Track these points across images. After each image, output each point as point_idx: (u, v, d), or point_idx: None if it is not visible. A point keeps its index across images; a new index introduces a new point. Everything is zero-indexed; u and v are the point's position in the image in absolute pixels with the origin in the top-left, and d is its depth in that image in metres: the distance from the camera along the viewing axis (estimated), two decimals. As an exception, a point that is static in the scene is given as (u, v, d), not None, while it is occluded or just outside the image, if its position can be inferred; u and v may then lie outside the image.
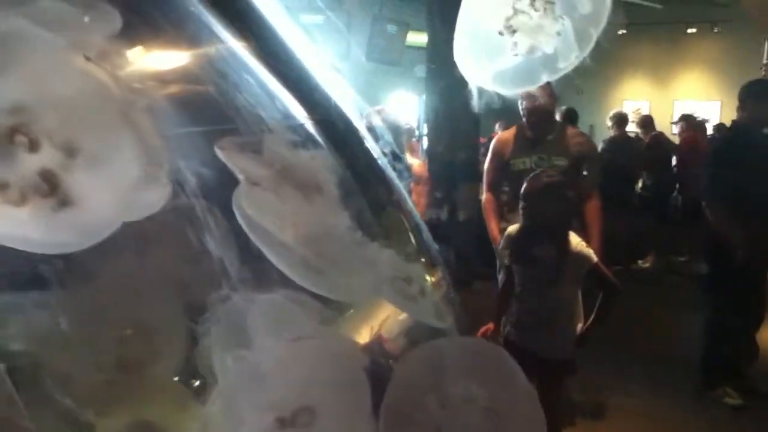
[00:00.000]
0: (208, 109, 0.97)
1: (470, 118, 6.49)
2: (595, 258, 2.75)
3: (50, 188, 0.59)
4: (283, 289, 0.80)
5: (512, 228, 2.95)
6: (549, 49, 1.31)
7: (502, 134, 4.05)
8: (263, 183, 0.84)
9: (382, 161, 1.50)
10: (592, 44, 1.27)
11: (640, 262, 7.36)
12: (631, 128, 8.05)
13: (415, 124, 9.36)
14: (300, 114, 1.22)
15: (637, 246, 7.17)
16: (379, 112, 3.75)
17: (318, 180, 0.91)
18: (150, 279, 0.82)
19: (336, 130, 1.32)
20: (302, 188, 0.87)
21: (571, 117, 6.44)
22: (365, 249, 0.98)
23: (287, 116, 1.17)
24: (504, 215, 3.67)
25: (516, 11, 1.27)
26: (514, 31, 1.29)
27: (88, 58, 0.64)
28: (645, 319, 5.23)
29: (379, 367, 0.90)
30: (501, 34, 1.31)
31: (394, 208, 1.53)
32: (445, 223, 5.90)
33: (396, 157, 1.44)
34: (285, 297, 0.79)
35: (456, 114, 6.58)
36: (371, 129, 1.46)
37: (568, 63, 1.33)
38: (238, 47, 1.17)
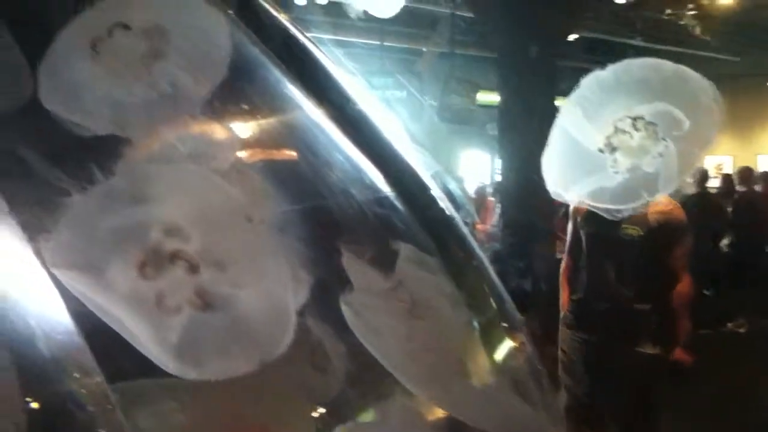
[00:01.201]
0: (303, 188, 1.02)
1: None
2: None
3: (203, 304, 0.64)
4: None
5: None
6: (650, 169, 1.31)
7: None
8: (377, 293, 0.87)
9: (463, 227, 1.51)
10: (696, 164, 1.27)
11: (730, 325, 6.97)
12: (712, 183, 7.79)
13: (488, 182, 9.37)
14: (384, 187, 1.26)
15: (726, 308, 6.81)
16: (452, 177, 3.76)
17: (432, 298, 0.93)
18: (274, 381, 0.85)
19: (418, 200, 1.35)
20: (416, 304, 0.89)
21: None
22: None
23: (374, 190, 1.21)
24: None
25: (617, 130, 1.28)
26: (614, 150, 1.30)
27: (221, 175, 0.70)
28: (738, 385, 4.93)
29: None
30: (601, 151, 1.32)
31: (474, 273, 1.54)
32: (528, 292, 5.70)
33: (476, 228, 1.45)
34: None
35: (530, 173, 6.53)
36: (452, 198, 1.49)
37: (671, 184, 1.33)
38: (327, 123, 1.23)
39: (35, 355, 0.61)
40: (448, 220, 1.44)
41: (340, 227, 0.96)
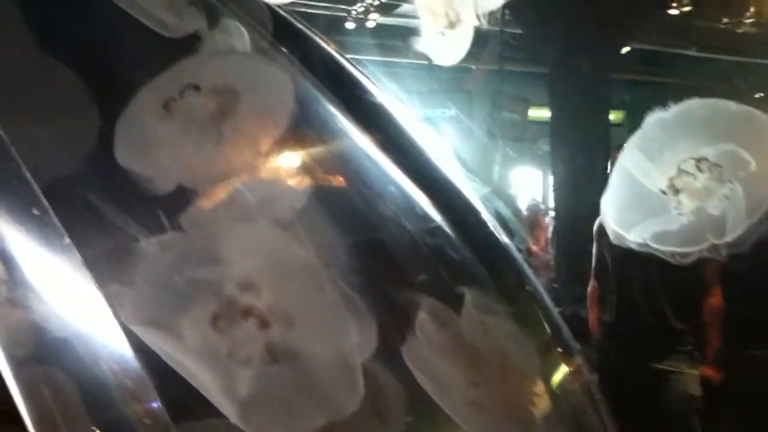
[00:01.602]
0: (355, 220, 1.04)
1: (600, 191, 6.32)
2: None
3: (272, 358, 0.68)
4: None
5: None
6: (715, 211, 1.29)
7: None
8: (441, 340, 0.89)
9: (515, 253, 1.51)
10: (765, 209, 1.24)
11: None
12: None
13: (540, 199, 9.25)
14: (437, 216, 1.28)
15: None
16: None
17: (498, 344, 0.94)
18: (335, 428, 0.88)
19: (471, 228, 1.36)
20: (480, 350, 0.90)
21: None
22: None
23: (426, 219, 1.23)
24: None
25: (680, 171, 1.27)
26: (677, 191, 1.28)
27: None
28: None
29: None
30: (664, 193, 1.31)
31: (528, 299, 1.54)
32: (586, 320, 5.52)
33: (530, 254, 1.45)
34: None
35: (583, 188, 6.43)
36: (505, 224, 1.49)
37: (739, 227, 1.30)
38: (378, 154, 1.25)
39: (99, 382, 0.65)
40: (501, 247, 1.44)
41: (396, 263, 0.98)
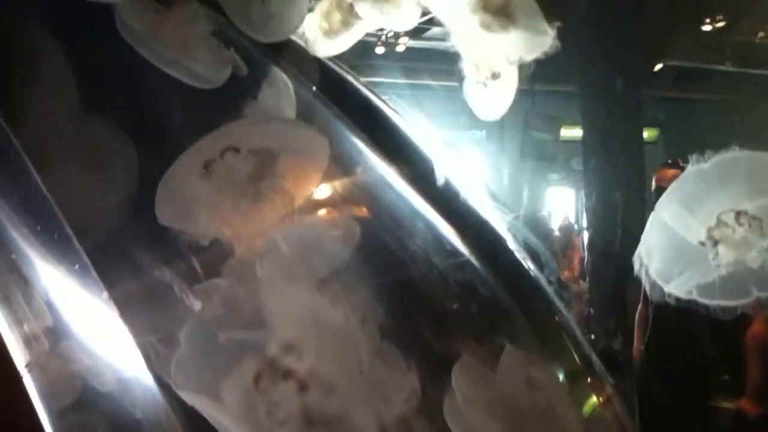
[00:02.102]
0: (387, 263, 1.05)
1: (639, 212, 6.19)
2: None
3: (309, 422, 0.69)
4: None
5: None
6: (754, 264, 1.26)
7: None
8: (478, 399, 0.89)
9: (545, 284, 1.51)
10: None
11: None
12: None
13: (573, 219, 9.14)
14: (465, 250, 1.28)
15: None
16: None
17: (537, 404, 0.94)
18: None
19: (499, 260, 1.36)
20: (519, 409, 0.89)
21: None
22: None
23: (455, 254, 1.23)
24: None
25: (719, 223, 1.24)
26: (716, 243, 1.26)
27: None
28: None
29: None
30: (702, 244, 1.28)
31: (557, 330, 1.53)
32: (618, 352, 5.30)
33: (563, 286, 1.45)
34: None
35: (618, 210, 6.34)
36: (535, 256, 1.49)
37: None
38: (409, 191, 1.27)
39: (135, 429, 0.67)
40: (531, 279, 1.44)
41: (431, 308, 0.99)
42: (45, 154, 0.82)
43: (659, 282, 1.37)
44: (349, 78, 1.27)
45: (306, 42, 1.13)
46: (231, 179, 0.79)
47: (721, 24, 8.19)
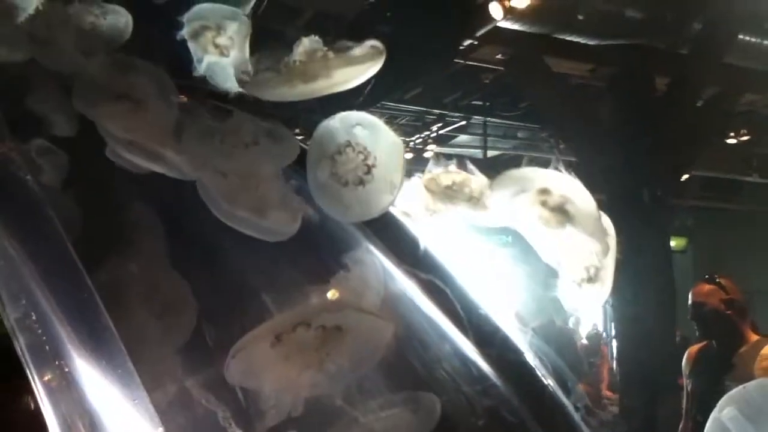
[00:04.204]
0: (409, 381, 1.07)
1: (665, 325, 6.03)
2: None
3: None
4: None
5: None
6: None
7: (693, 347, 3.50)
8: None
9: (572, 412, 1.48)
10: None
11: None
12: None
13: (601, 327, 8.96)
14: (491, 374, 1.28)
15: None
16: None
17: None
18: None
19: (526, 386, 1.35)
20: None
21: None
22: None
23: (481, 378, 1.24)
24: None
25: None
26: None
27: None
28: None
29: None
30: None
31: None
32: None
33: (590, 412, 1.42)
34: None
35: (648, 320, 6.21)
36: (562, 381, 1.47)
37: None
38: (436, 314, 1.29)
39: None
40: (558, 406, 1.42)
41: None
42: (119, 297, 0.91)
43: None
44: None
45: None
46: (299, 350, 0.85)
47: (745, 138, 8.33)
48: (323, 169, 1.00)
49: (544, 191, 1.06)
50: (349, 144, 1.00)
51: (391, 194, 1.01)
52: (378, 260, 1.12)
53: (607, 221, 1.16)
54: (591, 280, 1.07)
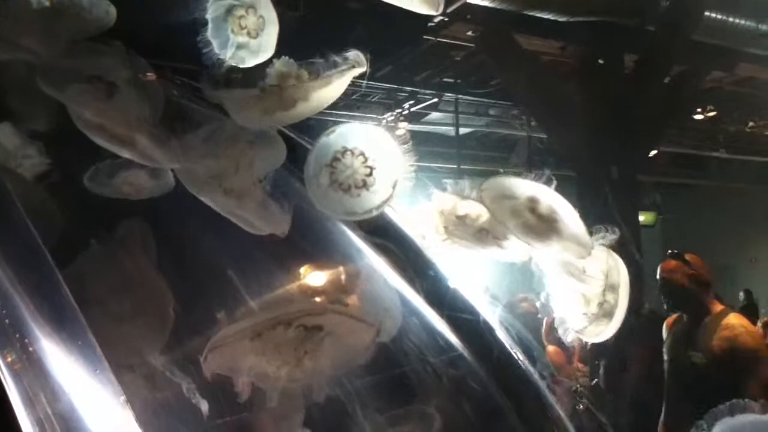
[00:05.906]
0: (377, 355, 1.08)
1: (636, 294, 6.13)
2: None
3: None
4: None
5: None
6: None
7: (669, 318, 3.51)
8: None
9: (538, 380, 1.52)
10: None
11: None
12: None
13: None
14: (459, 345, 1.30)
15: None
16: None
17: None
18: None
19: (492, 356, 1.38)
20: None
21: (747, 302, 5.65)
22: None
23: (448, 349, 1.26)
24: None
25: None
26: None
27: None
28: None
29: None
30: None
31: (550, 425, 1.53)
32: None
33: (555, 381, 1.45)
34: None
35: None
36: (528, 350, 1.50)
37: None
38: (406, 289, 1.30)
39: None
40: (523, 375, 1.45)
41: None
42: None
43: None
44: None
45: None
46: (277, 346, 0.86)
47: (712, 114, 8.47)
48: (324, 176, 1.03)
49: (533, 200, 1.10)
50: (346, 149, 1.03)
51: (392, 188, 1.04)
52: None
53: (618, 261, 1.19)
54: (607, 314, 1.10)
